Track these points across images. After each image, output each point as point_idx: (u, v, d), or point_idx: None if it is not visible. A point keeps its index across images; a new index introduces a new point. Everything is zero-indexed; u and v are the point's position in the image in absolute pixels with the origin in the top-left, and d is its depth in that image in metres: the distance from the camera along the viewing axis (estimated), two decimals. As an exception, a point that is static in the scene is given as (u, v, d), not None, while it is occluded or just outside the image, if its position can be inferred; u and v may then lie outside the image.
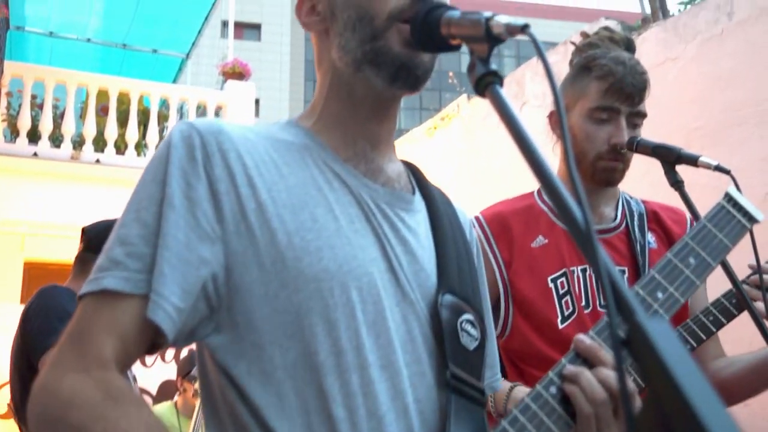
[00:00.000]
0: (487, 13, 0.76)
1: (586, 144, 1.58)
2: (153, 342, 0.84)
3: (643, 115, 1.61)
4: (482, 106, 5.10)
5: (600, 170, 1.57)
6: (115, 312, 0.81)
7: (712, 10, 3.21)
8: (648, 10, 3.74)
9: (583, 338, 0.94)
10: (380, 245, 0.93)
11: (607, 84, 1.55)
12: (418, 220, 1.00)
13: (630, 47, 1.66)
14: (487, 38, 0.74)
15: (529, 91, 4.68)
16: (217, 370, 0.86)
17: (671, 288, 1.07)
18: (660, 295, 1.04)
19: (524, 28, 0.71)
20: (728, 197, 1.19)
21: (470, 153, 5.22)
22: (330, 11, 0.97)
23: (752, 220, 1.18)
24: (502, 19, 0.73)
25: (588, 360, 0.93)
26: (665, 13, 3.70)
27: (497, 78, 0.73)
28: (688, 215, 1.65)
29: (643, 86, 1.57)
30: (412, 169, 1.10)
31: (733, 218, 1.17)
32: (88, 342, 0.81)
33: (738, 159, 2.85)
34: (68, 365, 0.80)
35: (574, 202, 0.57)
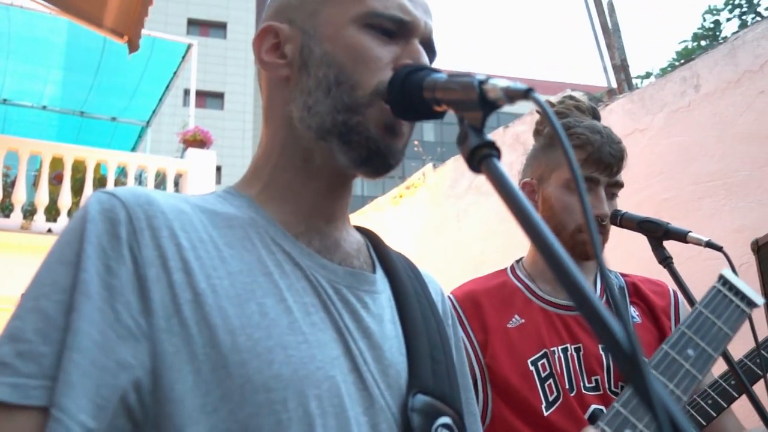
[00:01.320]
0: (481, 76, 0.64)
1: (565, 216, 1.49)
2: None
3: (621, 185, 1.54)
4: (448, 174, 5.05)
5: (580, 243, 1.47)
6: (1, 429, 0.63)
7: (679, 83, 3.22)
8: (613, 83, 3.75)
9: None
10: (342, 340, 0.77)
11: (585, 154, 1.48)
12: (382, 304, 0.85)
13: (596, 116, 1.62)
14: (482, 104, 0.62)
15: (495, 161, 4.65)
16: None
17: (671, 385, 0.97)
18: None
19: (528, 93, 0.59)
20: (723, 280, 1.11)
21: (436, 222, 5.14)
22: (301, 59, 0.83)
23: (751, 304, 1.09)
24: (500, 82, 0.62)
25: None
26: (630, 86, 3.71)
27: (494, 150, 0.60)
28: (671, 287, 1.57)
29: (621, 156, 1.51)
30: (371, 237, 0.95)
31: (730, 303, 1.08)
32: None
33: (709, 231, 2.78)
34: None
35: (611, 316, 0.44)
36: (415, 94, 0.74)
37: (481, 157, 0.60)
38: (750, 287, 1.11)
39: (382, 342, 0.80)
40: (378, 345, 0.80)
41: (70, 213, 8.17)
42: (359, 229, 0.95)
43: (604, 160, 1.47)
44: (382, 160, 0.81)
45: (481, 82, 0.63)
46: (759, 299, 1.10)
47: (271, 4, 0.90)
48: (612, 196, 1.52)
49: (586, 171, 1.48)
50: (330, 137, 0.81)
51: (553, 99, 1.78)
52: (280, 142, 0.85)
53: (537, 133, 1.64)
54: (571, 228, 1.47)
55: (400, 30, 0.82)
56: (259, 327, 0.71)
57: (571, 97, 1.64)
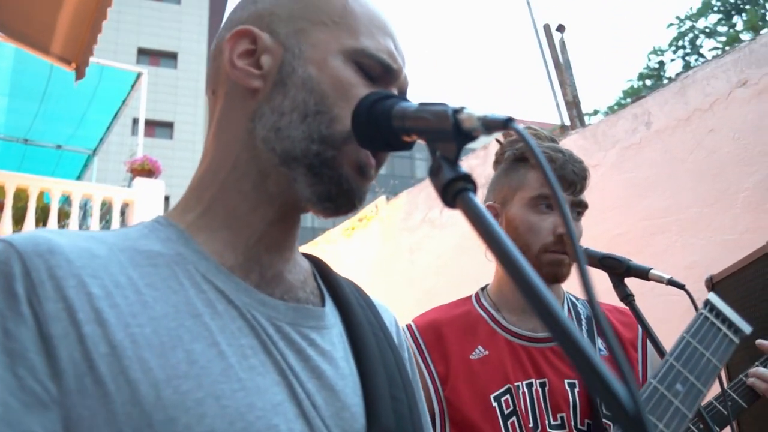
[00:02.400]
0: (455, 105, 0.61)
1: (530, 236, 1.45)
2: None
3: (585, 206, 1.51)
4: (402, 207, 5.02)
5: (546, 264, 1.43)
6: None
7: (630, 119, 3.27)
8: (566, 121, 3.80)
9: None
10: (286, 383, 0.69)
11: None
12: (332, 340, 0.78)
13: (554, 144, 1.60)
14: (456, 135, 0.58)
15: (449, 195, 4.66)
16: None
17: (661, 425, 0.92)
18: None
19: (507, 123, 0.55)
20: (709, 306, 1.07)
21: (389, 255, 5.09)
22: (279, 76, 0.76)
23: (739, 332, 1.05)
24: (476, 111, 0.58)
25: None
26: (582, 122, 3.76)
27: (470, 184, 0.56)
28: None
29: (583, 174, 1.49)
30: (318, 265, 0.88)
31: (718, 332, 1.04)
32: None
33: (662, 267, 2.79)
34: None
35: (613, 376, 0.39)
36: (383, 123, 0.69)
37: (456, 191, 0.56)
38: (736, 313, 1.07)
39: (334, 382, 0.74)
40: (329, 386, 0.73)
41: (9, 243, 7.89)
42: (306, 256, 0.88)
43: (567, 178, 1.45)
44: (348, 200, 0.76)
45: (456, 111, 0.59)
46: (747, 327, 1.07)
47: (247, 5, 0.82)
48: (577, 215, 1.50)
49: (549, 189, 1.45)
50: (296, 165, 0.74)
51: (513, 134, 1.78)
52: (233, 161, 0.78)
53: (497, 162, 1.63)
54: (536, 248, 1.43)
55: (384, 76, 0.78)
56: (188, 377, 0.63)
57: (529, 128, 1.65)
